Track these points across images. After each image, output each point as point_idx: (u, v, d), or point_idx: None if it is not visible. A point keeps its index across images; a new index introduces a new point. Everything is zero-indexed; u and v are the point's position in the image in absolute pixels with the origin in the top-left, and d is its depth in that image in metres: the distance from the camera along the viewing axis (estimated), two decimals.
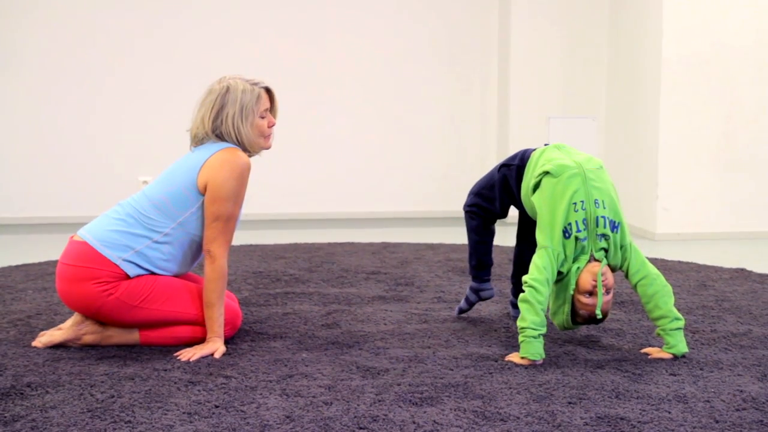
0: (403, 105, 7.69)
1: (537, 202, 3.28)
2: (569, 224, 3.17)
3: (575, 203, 3.19)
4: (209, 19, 7.41)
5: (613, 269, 3.27)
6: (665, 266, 5.19)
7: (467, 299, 3.81)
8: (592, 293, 3.17)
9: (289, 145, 7.20)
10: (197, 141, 3.38)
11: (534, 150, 3.52)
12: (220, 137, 3.33)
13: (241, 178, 3.26)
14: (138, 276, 3.26)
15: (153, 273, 3.29)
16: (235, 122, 3.31)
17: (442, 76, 7.74)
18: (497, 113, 7.78)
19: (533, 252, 3.27)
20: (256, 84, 3.37)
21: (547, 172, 3.27)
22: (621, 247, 3.25)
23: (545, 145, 3.55)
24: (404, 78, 7.68)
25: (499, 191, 3.61)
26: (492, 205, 3.67)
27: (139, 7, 7.30)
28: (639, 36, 6.94)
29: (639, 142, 6.93)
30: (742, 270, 5.08)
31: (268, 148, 3.44)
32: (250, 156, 3.42)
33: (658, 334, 3.24)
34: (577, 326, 3.34)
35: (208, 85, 3.39)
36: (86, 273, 3.20)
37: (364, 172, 7.62)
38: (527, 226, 3.69)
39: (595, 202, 3.21)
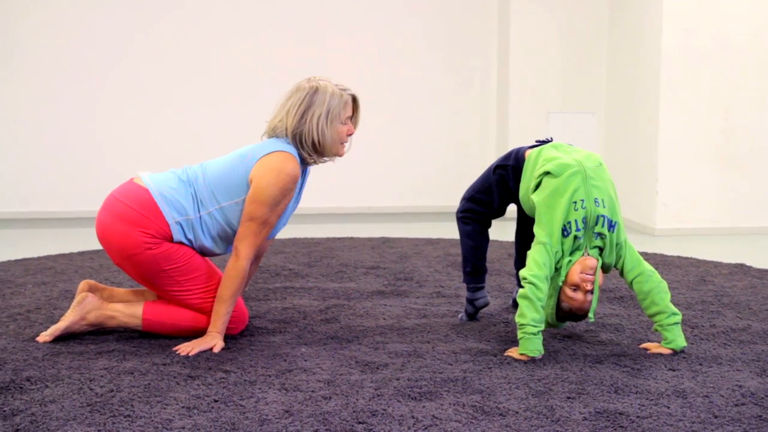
0: (402, 100, 7.68)
1: (537, 200, 3.27)
2: (569, 223, 3.17)
3: (575, 202, 3.18)
4: (208, 16, 7.40)
5: (606, 268, 3.28)
6: (665, 261, 5.19)
7: (466, 312, 3.76)
8: (578, 287, 3.17)
9: None
10: (271, 134, 3.37)
11: (527, 149, 3.51)
12: (296, 136, 3.31)
13: (285, 189, 3.24)
14: (180, 243, 3.27)
15: (192, 245, 3.31)
16: (320, 124, 3.29)
17: (441, 71, 7.74)
18: (497, 108, 7.78)
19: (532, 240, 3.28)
20: (344, 90, 3.37)
21: (547, 173, 3.26)
22: (616, 245, 3.25)
23: (536, 141, 3.54)
24: (404, 73, 7.68)
25: (497, 191, 3.59)
26: (487, 207, 3.66)
27: (139, 4, 7.29)
28: (639, 31, 6.93)
29: (639, 138, 6.93)
30: (742, 265, 5.08)
31: (341, 155, 3.41)
32: (316, 162, 3.39)
33: (656, 330, 3.25)
34: (560, 324, 3.34)
35: (296, 83, 3.37)
36: (139, 219, 3.21)
37: (364, 167, 7.61)
38: (526, 220, 3.70)
39: (595, 201, 3.21)
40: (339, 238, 6.13)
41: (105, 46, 7.27)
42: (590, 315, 3.21)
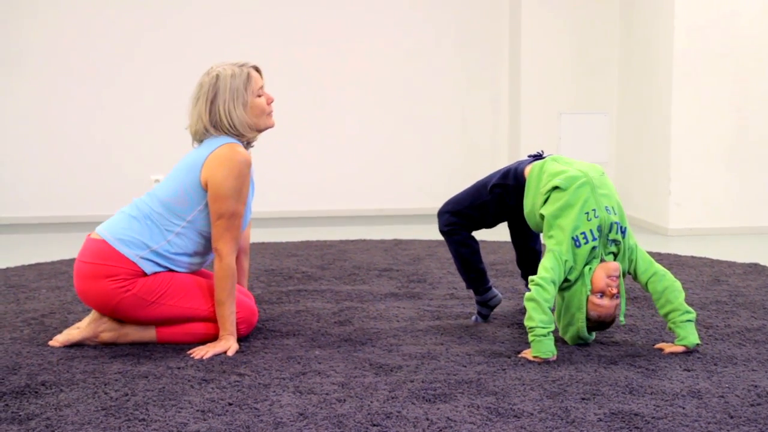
0: (414, 102, 7.67)
1: (547, 213, 3.28)
2: (583, 233, 3.18)
3: (587, 213, 3.21)
4: (217, 16, 7.40)
5: (622, 274, 3.29)
6: (678, 261, 5.18)
7: (480, 314, 3.76)
8: (604, 294, 3.18)
9: (300, 143, 7.21)
10: (198, 137, 3.39)
11: (525, 165, 3.52)
12: (216, 128, 3.32)
13: (241, 175, 3.25)
14: (155, 273, 3.28)
15: (169, 269, 3.31)
16: (227, 108, 3.30)
17: (452, 73, 7.73)
18: (508, 109, 7.76)
19: (533, 244, 3.31)
20: (243, 65, 3.37)
21: (556, 187, 3.28)
22: (628, 249, 3.27)
23: (529, 156, 3.57)
24: (415, 75, 7.67)
25: (493, 209, 3.60)
26: (477, 223, 3.68)
27: (146, 4, 7.29)
28: (651, 30, 6.92)
29: (651, 138, 6.91)
30: (756, 265, 5.06)
31: (272, 126, 3.43)
32: (251, 141, 3.42)
33: (670, 329, 3.25)
34: (590, 337, 3.32)
35: (198, 80, 3.39)
36: (104, 270, 3.23)
37: (376, 169, 7.61)
38: (518, 231, 3.75)
39: (606, 209, 3.24)
40: (351, 241, 6.13)
41: (113, 48, 7.26)
42: (621, 318, 3.22)
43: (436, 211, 3.80)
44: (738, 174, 6.61)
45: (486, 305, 3.74)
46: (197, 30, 7.37)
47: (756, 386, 2.83)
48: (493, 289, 3.76)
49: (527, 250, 3.82)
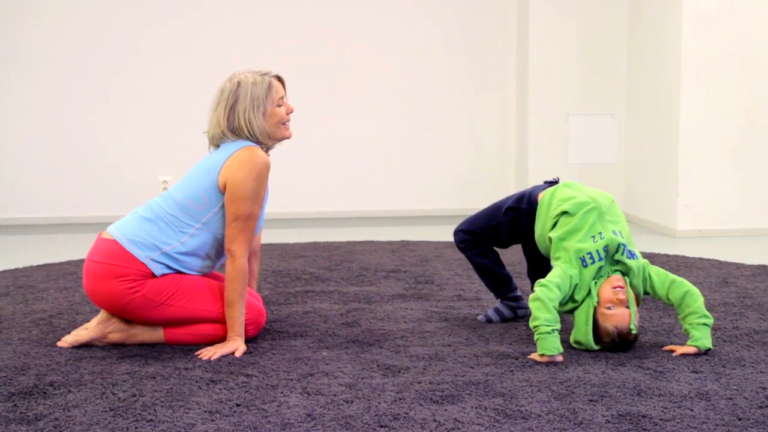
0: (421, 103, 7.68)
1: (554, 236, 3.34)
2: (589, 254, 3.24)
3: (594, 236, 3.27)
4: (223, 16, 7.41)
5: (637, 295, 3.29)
6: (686, 263, 5.17)
7: (499, 312, 3.77)
8: (612, 304, 3.18)
9: (307, 145, 7.20)
10: (215, 142, 3.39)
11: (539, 190, 3.58)
12: (235, 133, 3.34)
13: (260, 177, 3.26)
14: (164, 275, 3.28)
15: (179, 272, 3.32)
16: (247, 115, 3.31)
17: (460, 74, 7.73)
18: (516, 110, 7.76)
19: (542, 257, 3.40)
20: (265, 74, 3.38)
21: (565, 212, 3.34)
22: (641, 268, 3.29)
23: (545, 182, 3.62)
24: (422, 76, 7.67)
25: (507, 231, 3.66)
26: (489, 242, 3.73)
27: (149, 4, 7.29)
28: (659, 31, 6.91)
29: (659, 139, 6.90)
30: (764, 266, 5.05)
31: (288, 137, 3.44)
32: (269, 148, 3.44)
33: (685, 330, 3.24)
34: (595, 346, 3.30)
35: (220, 85, 3.40)
36: (114, 270, 3.23)
37: (383, 170, 7.61)
38: (532, 251, 3.77)
39: (613, 232, 3.29)
40: (359, 242, 6.13)
41: (116, 47, 7.26)
42: (632, 326, 3.20)
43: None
44: (746, 175, 6.60)
45: (513, 311, 3.77)
46: (203, 28, 7.37)
47: (764, 388, 2.82)
48: (524, 300, 3.79)
49: (538, 261, 3.80)
